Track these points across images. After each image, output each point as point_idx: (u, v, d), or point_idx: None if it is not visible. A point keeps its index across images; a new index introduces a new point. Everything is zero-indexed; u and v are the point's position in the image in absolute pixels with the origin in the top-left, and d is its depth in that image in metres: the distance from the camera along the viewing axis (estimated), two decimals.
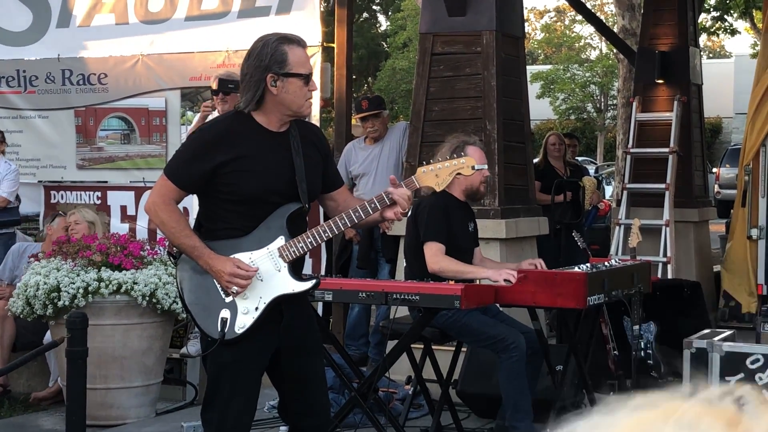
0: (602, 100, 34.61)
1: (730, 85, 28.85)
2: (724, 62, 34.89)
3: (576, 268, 5.14)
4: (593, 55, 39.10)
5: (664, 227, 8.72)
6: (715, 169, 20.86)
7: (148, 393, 6.19)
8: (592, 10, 23.62)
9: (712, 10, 20.54)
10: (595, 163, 28.52)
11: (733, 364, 5.03)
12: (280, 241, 3.70)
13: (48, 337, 6.34)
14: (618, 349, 6.30)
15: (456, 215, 5.29)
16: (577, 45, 40.25)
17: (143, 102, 8.14)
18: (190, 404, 6.50)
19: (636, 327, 5.64)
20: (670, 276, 8.48)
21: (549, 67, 36.08)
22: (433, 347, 5.46)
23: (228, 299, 3.70)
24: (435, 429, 5.38)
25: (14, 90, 8.57)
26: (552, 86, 34.09)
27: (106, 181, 8.31)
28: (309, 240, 3.72)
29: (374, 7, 33.53)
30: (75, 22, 8.29)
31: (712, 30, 21.82)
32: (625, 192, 9.28)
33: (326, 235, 3.76)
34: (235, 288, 3.66)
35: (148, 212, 3.83)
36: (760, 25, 10.27)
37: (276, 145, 3.70)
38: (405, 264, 5.50)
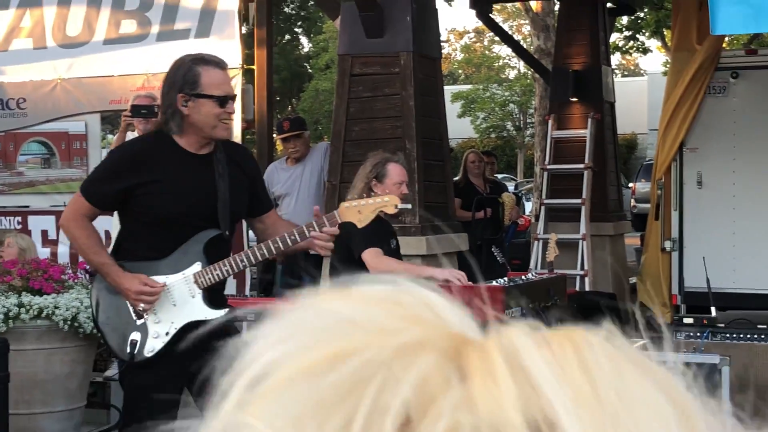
0: (521, 118, 35.10)
1: (644, 101, 29.46)
2: (638, 80, 35.62)
3: (494, 282, 5.28)
4: (512, 74, 39.68)
5: (580, 241, 8.94)
6: (631, 184, 21.30)
7: (72, 417, 6.15)
8: (510, 32, 24.05)
9: (624, 29, 21.06)
10: (516, 180, 28.92)
11: None
12: (197, 267, 3.68)
13: None
14: None
15: (377, 231, 5.36)
16: (496, 65, 40.78)
17: (63, 126, 8.09)
18: (115, 428, 6.47)
19: None
20: (587, 288, 8.70)
21: (469, 86, 36.49)
22: None
23: (139, 322, 3.66)
24: None
25: None
26: (472, 105, 34.48)
27: (27, 206, 8.23)
28: (225, 268, 3.69)
29: (296, 29, 33.56)
30: None
31: (624, 49, 22.35)
32: (542, 207, 9.49)
33: (243, 264, 3.73)
34: (143, 305, 3.66)
35: (61, 227, 3.85)
36: (670, 44, 10.59)
37: (197, 167, 3.67)
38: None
